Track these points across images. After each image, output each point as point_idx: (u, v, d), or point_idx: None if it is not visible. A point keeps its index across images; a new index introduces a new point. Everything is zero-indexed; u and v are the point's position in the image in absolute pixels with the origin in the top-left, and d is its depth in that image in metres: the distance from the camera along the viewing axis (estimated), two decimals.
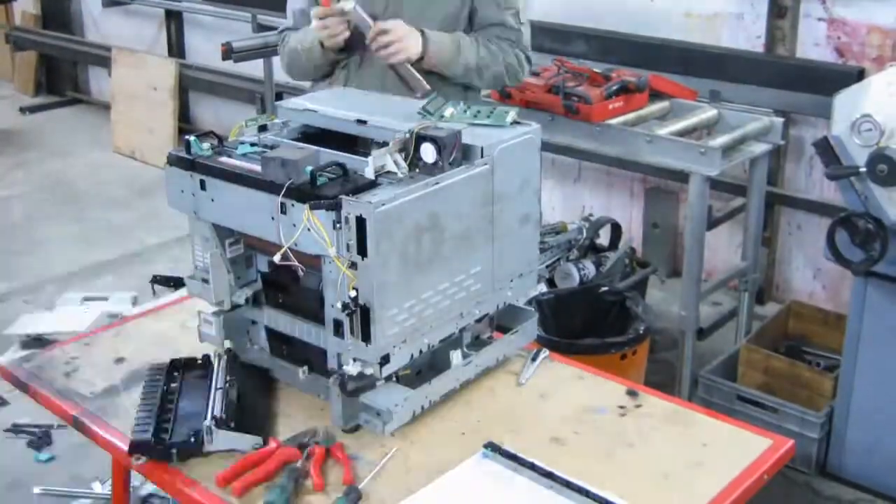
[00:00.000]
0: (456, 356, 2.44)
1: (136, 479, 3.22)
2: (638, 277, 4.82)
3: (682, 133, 4.12)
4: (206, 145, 2.38)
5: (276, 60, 5.80)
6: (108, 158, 7.85)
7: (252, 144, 2.41)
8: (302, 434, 2.28)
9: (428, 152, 2.19)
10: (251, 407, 2.34)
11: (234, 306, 2.47)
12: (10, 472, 4.01)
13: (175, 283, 5.21)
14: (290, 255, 2.17)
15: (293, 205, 2.14)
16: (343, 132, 2.44)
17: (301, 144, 2.39)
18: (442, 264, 2.25)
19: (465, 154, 2.27)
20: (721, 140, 4.01)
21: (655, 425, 2.35)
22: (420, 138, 2.20)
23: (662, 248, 5.62)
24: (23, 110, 8.92)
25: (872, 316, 3.70)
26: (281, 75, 6.21)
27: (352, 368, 2.19)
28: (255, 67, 6.11)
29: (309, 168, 2.15)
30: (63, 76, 9.42)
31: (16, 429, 4.26)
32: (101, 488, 3.78)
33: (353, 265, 2.10)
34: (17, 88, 9.51)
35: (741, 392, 4.11)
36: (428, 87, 3.04)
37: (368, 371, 2.20)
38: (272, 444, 2.23)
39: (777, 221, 5.26)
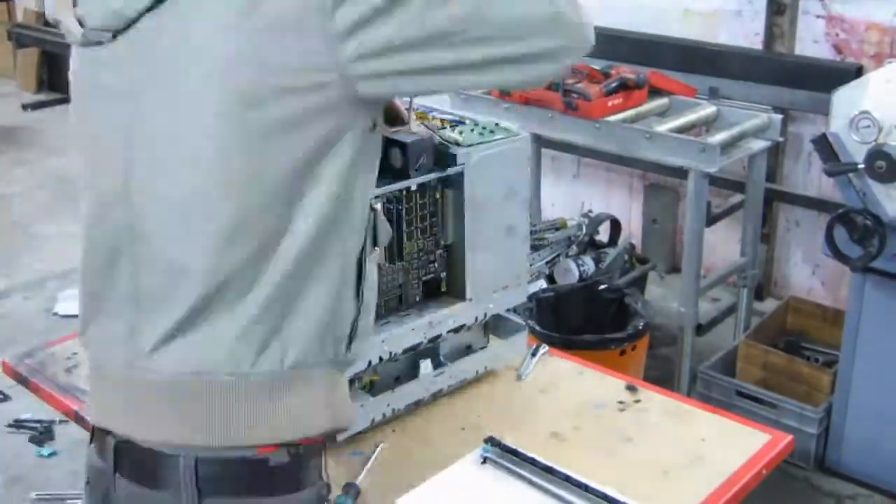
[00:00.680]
0: (425, 366, 2.40)
1: None
2: (637, 273, 4.83)
3: (681, 130, 4.13)
4: None
5: None
6: None
7: None
8: None
9: (395, 157, 2.15)
10: None
11: None
12: (12, 468, 4.03)
13: None
14: None
15: None
16: None
17: None
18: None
19: (440, 161, 2.21)
20: (720, 137, 4.03)
21: (654, 420, 2.37)
22: (388, 142, 2.14)
23: (661, 245, 5.63)
24: (25, 107, 8.92)
25: (871, 312, 3.72)
26: None
27: None
28: None
29: None
30: (65, 73, 9.30)
31: (18, 424, 4.28)
32: None
33: None
34: (19, 85, 9.51)
35: (740, 387, 4.13)
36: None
37: None
38: None
39: (776, 218, 5.27)
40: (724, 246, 5.31)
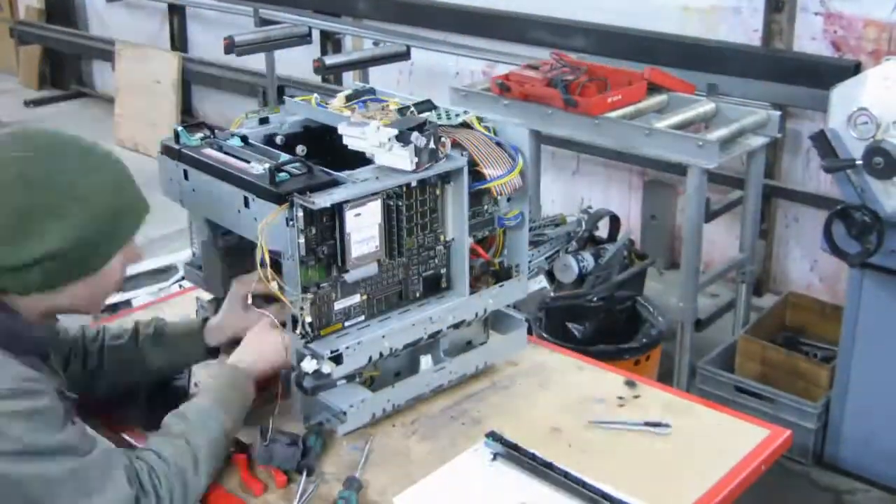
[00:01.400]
0: (425, 361, 2.43)
1: None
2: (636, 269, 4.84)
3: (680, 126, 4.13)
4: (197, 136, 2.40)
5: (277, 54, 5.85)
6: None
7: (243, 138, 2.40)
8: None
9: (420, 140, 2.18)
10: None
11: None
12: None
13: None
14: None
15: (254, 199, 2.16)
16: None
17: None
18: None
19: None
20: (719, 133, 4.03)
21: (654, 416, 2.38)
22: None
23: (661, 241, 5.65)
24: (27, 104, 8.93)
25: (868, 307, 3.73)
26: (283, 69, 6.27)
27: (308, 365, 2.17)
28: (257, 61, 6.12)
29: (267, 165, 2.15)
30: (67, 70, 9.44)
31: None
32: None
33: (302, 262, 2.10)
34: (22, 82, 9.52)
35: (739, 383, 4.15)
36: None
37: (326, 369, 2.18)
38: None
39: (774, 214, 5.29)
40: (722, 242, 5.33)
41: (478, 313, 2.44)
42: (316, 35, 6.20)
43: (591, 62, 4.48)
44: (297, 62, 6.30)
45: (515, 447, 2.21)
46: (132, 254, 2.10)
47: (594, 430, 2.34)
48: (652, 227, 5.69)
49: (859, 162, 3.43)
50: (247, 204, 2.18)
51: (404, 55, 5.48)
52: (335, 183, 2.13)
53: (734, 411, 2.45)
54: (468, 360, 2.50)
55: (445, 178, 2.28)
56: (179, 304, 2.95)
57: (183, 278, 4.80)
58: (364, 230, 2.15)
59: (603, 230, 4.93)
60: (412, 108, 2.40)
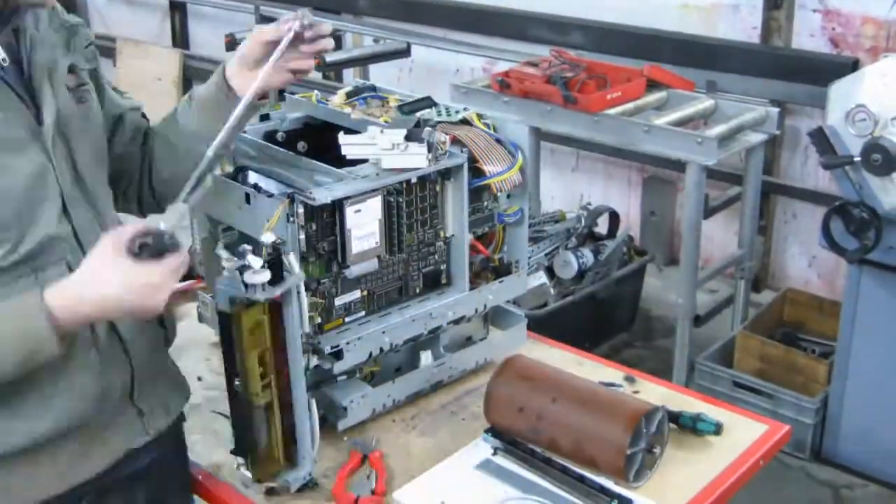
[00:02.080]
0: (426, 357, 2.44)
1: None
2: (635, 265, 4.86)
3: (679, 123, 4.15)
4: None
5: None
6: None
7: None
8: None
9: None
10: None
11: None
12: None
13: None
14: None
15: (255, 196, 2.17)
16: (345, 125, 2.43)
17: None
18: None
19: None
20: (717, 130, 4.05)
21: None
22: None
23: (660, 237, 5.66)
24: None
25: (866, 303, 3.74)
26: None
27: (308, 361, 2.17)
28: None
29: None
30: None
31: None
32: None
33: (303, 257, 2.11)
34: None
35: (737, 378, 4.16)
36: None
37: (326, 365, 2.19)
38: None
39: (773, 210, 5.30)
40: (721, 238, 5.34)
41: (477, 309, 2.45)
42: None
43: (590, 59, 4.50)
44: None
45: (514, 442, 2.22)
46: None
47: None
48: (651, 224, 5.70)
49: (857, 158, 3.45)
50: (248, 200, 2.19)
51: (405, 52, 5.49)
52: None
53: (733, 406, 2.46)
54: (468, 356, 2.52)
55: (445, 174, 2.29)
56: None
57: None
58: (364, 226, 2.16)
59: (602, 226, 4.95)
60: (406, 109, 2.41)
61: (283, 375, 2.01)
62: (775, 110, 4.23)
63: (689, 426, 2.25)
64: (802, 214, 5.20)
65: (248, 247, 1.88)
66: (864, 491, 3.89)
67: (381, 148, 2.16)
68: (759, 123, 4.21)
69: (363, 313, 2.29)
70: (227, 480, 2.19)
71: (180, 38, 8.33)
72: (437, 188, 2.30)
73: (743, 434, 2.30)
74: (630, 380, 2.52)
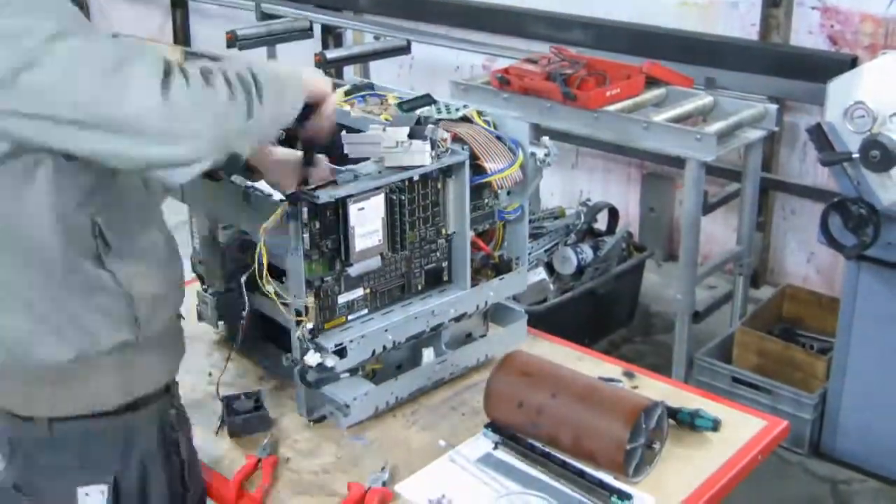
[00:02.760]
0: (428, 354, 2.45)
1: None
2: (635, 261, 4.88)
3: (678, 119, 4.15)
4: None
5: (279, 48, 5.87)
6: None
7: None
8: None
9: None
10: None
11: (229, 289, 2.50)
12: None
13: None
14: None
15: (255, 194, 2.19)
16: (344, 123, 2.45)
17: None
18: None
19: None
20: (716, 126, 4.05)
21: None
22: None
23: (659, 233, 5.67)
24: None
25: (865, 299, 3.75)
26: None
27: (311, 359, 2.20)
28: (259, 55, 6.15)
29: None
30: None
31: None
32: None
33: (306, 255, 2.13)
34: None
35: (736, 374, 4.17)
36: None
37: (330, 363, 2.21)
38: None
39: (771, 206, 5.31)
40: (720, 234, 5.36)
41: (479, 306, 2.47)
42: (317, 29, 6.22)
43: (589, 56, 4.51)
44: (298, 56, 6.31)
45: (514, 437, 2.23)
46: None
47: None
48: (650, 220, 5.71)
49: (856, 155, 3.46)
50: (247, 199, 2.20)
51: (405, 49, 5.51)
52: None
53: (732, 402, 2.48)
54: (469, 353, 2.53)
55: (447, 171, 2.31)
56: None
57: None
58: (367, 224, 2.17)
59: (602, 223, 4.96)
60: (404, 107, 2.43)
61: None
62: (774, 107, 4.24)
63: (688, 422, 2.26)
64: (801, 211, 5.21)
65: None
66: (862, 486, 3.90)
67: (385, 146, 2.17)
68: (757, 120, 4.22)
69: (366, 311, 2.31)
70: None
71: (181, 35, 8.33)
72: (439, 185, 2.32)
73: (741, 429, 2.31)
74: (629, 375, 2.53)
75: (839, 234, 3.63)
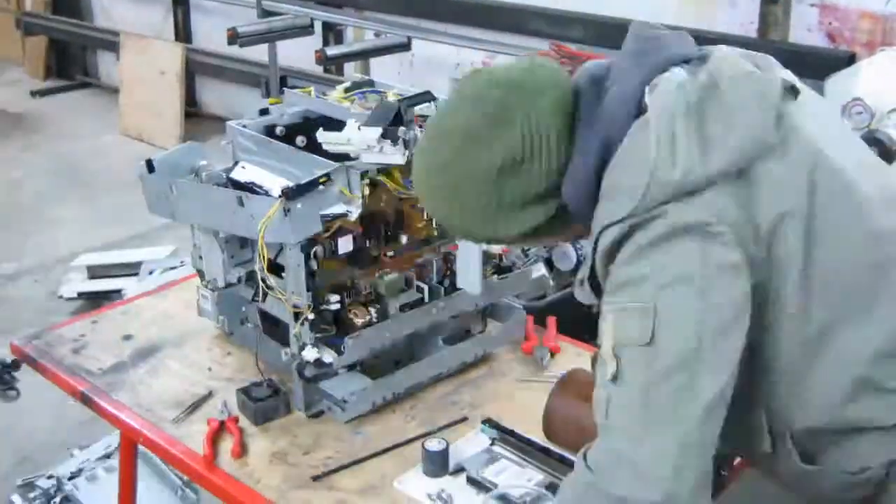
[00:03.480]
0: (426, 350, 2.46)
1: None
2: None
3: None
4: None
5: (280, 45, 5.88)
6: (117, 141, 7.92)
7: None
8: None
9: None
10: None
11: (229, 284, 2.50)
12: None
13: None
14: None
15: (248, 197, 2.19)
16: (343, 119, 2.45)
17: None
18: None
19: None
20: None
21: None
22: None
23: None
24: (33, 94, 8.95)
25: None
26: (285, 60, 6.29)
27: (309, 354, 2.20)
28: (260, 52, 6.17)
29: None
30: (72, 60, 9.45)
31: None
32: (80, 454, 3.68)
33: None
34: (28, 72, 9.53)
35: None
36: None
37: (328, 358, 2.21)
38: None
39: None
40: None
41: (479, 304, 2.48)
42: (318, 26, 6.24)
43: (589, 52, 4.51)
44: (299, 53, 6.33)
45: (512, 433, 2.24)
46: None
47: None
48: None
49: None
50: (241, 203, 2.21)
51: (405, 46, 5.51)
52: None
53: None
54: (467, 349, 2.53)
55: None
56: (178, 293, 2.98)
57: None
58: None
59: None
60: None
61: None
62: None
63: None
64: None
65: None
66: None
67: (358, 147, 2.16)
68: None
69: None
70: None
71: (183, 32, 8.35)
72: None
73: None
74: None
75: None
